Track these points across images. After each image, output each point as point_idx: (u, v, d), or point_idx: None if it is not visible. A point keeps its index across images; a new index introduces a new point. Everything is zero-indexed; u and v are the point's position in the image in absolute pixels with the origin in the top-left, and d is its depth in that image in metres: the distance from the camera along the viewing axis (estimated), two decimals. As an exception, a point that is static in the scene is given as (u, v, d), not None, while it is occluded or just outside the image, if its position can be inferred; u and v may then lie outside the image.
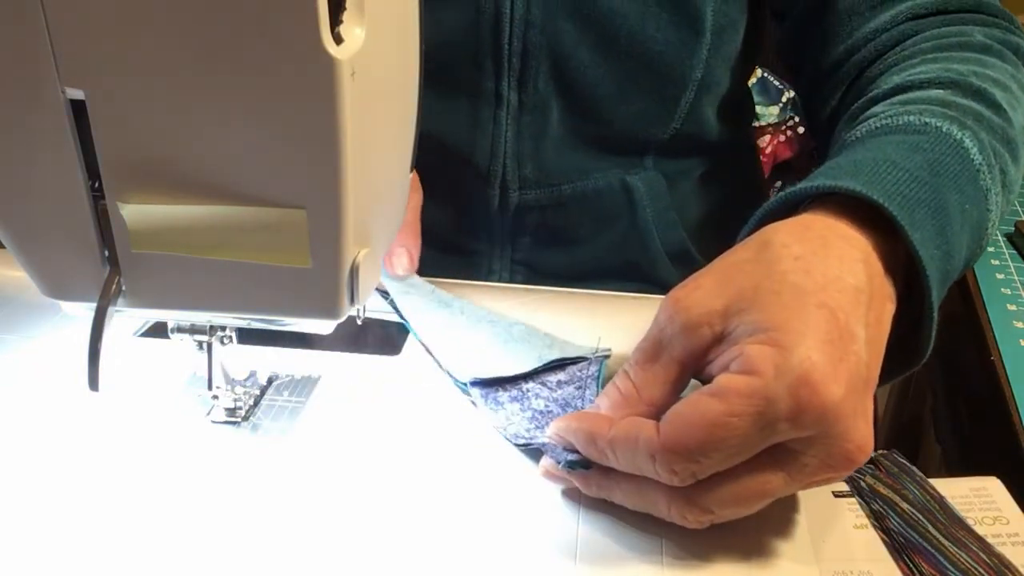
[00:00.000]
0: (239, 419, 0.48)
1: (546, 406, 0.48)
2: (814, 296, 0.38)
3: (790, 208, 0.46)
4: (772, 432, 0.36)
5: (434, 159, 0.66)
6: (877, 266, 0.42)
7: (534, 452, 0.45)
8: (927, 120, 0.50)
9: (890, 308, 0.42)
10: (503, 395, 0.50)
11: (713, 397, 0.36)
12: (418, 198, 0.63)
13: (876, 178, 0.44)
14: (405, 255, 0.60)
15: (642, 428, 0.38)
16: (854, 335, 0.38)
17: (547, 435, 0.43)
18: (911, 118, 0.51)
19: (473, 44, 0.64)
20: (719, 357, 0.38)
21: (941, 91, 0.54)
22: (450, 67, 0.65)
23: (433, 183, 0.64)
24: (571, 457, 0.42)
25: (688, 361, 0.40)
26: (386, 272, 0.60)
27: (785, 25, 0.71)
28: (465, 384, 0.51)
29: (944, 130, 0.49)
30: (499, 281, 0.73)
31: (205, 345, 0.45)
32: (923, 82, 0.56)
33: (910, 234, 0.42)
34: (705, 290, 0.40)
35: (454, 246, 0.72)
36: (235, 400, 0.48)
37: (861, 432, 0.37)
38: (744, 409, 0.36)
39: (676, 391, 0.41)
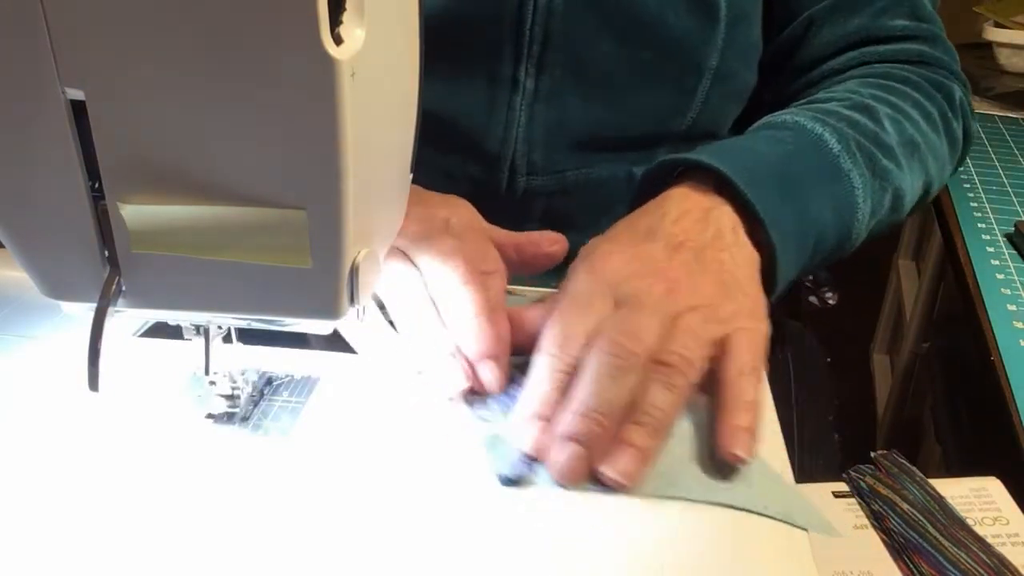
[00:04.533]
0: (239, 419, 0.48)
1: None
2: (624, 227, 0.53)
3: (666, 174, 0.57)
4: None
5: (445, 139, 0.67)
6: (713, 209, 0.53)
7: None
8: (797, 119, 0.61)
9: (727, 222, 0.53)
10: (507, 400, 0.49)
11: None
12: (502, 282, 0.53)
13: (731, 157, 0.55)
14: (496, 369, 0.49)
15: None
16: (652, 233, 0.51)
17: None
18: (786, 117, 0.62)
19: (494, 30, 0.65)
20: None
21: (835, 103, 0.65)
22: (469, 50, 0.66)
23: (443, 164, 0.64)
24: (505, 472, 0.43)
25: None
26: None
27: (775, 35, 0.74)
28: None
29: (807, 127, 0.60)
30: None
31: (202, 329, 0.45)
32: (827, 98, 0.66)
33: (743, 188, 0.52)
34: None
35: None
36: (235, 400, 0.48)
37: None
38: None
39: None
